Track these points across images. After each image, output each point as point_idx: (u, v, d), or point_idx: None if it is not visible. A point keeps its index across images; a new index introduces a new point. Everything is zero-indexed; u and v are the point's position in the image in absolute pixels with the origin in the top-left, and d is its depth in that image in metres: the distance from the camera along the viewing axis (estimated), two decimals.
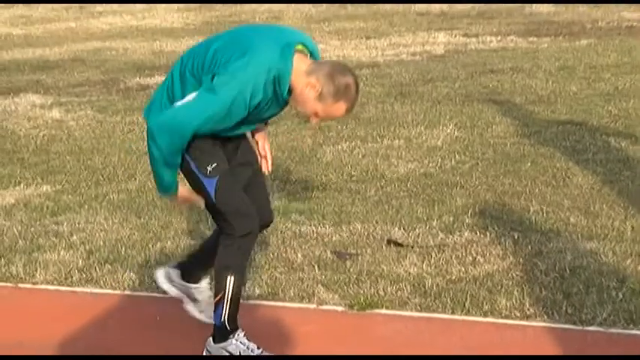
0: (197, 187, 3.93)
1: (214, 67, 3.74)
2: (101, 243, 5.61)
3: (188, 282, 4.40)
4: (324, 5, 17.50)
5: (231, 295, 3.93)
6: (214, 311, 3.98)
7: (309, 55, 3.84)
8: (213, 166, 3.87)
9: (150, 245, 5.54)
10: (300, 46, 3.79)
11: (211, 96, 3.70)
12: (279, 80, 3.72)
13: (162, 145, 3.76)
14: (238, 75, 3.67)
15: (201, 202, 3.98)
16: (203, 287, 4.42)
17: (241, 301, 4.06)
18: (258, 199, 4.13)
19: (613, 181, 6.35)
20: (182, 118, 3.75)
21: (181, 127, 3.73)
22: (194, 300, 4.40)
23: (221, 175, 3.88)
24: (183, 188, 3.98)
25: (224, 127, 3.83)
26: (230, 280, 3.92)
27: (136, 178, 6.99)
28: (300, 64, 3.75)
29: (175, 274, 4.41)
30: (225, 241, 3.96)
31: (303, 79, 3.74)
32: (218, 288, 3.96)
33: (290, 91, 3.77)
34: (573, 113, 8.36)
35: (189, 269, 4.42)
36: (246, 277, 4.57)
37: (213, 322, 4.01)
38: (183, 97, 3.79)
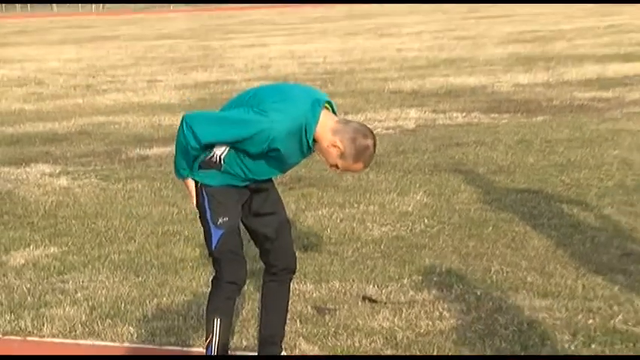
0: (205, 231, 4.01)
1: (251, 103, 3.81)
2: (103, 299, 5.61)
3: None
4: (308, 83, 17.65)
5: (219, 338, 3.96)
6: (205, 354, 4.00)
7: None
8: (225, 219, 3.94)
9: (147, 301, 5.54)
10: (327, 104, 3.89)
11: (243, 117, 3.76)
12: (306, 130, 3.79)
13: (187, 135, 3.81)
14: (271, 114, 3.73)
15: (193, 201, 4.01)
16: None
17: (229, 352, 4.07)
18: (284, 246, 4.21)
19: (566, 244, 6.41)
20: (210, 122, 3.82)
21: (204, 129, 3.78)
22: None
23: (227, 230, 3.95)
24: (191, 183, 3.99)
25: (245, 165, 3.88)
26: (217, 323, 3.96)
27: (135, 240, 7.00)
28: (326, 119, 3.83)
29: None
30: (215, 285, 4.04)
31: (329, 136, 3.82)
32: (207, 331, 4.00)
33: (315, 141, 3.84)
34: (530, 182, 8.44)
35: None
36: (233, 323, 4.56)
37: None
38: None
